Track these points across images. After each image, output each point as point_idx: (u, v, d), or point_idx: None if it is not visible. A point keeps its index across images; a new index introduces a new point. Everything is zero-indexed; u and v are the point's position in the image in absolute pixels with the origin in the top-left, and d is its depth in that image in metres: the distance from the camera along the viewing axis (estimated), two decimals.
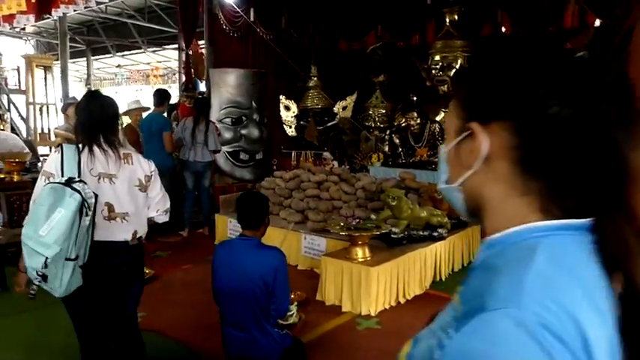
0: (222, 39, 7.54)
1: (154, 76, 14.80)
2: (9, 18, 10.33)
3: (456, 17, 7.65)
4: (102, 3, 10.07)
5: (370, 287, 3.73)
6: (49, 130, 10.52)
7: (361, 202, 5.30)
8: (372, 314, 3.74)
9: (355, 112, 8.63)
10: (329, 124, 8.42)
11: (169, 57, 14.95)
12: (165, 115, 6.33)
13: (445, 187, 0.73)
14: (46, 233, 1.94)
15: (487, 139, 0.62)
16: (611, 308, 0.56)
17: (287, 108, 8.78)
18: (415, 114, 6.96)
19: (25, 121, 10.48)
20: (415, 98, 7.17)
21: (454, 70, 7.43)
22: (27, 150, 6.26)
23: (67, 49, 10.28)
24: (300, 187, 5.91)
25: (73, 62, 15.41)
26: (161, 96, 6.04)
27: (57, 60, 10.85)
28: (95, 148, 2.23)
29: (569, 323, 0.51)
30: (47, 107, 10.59)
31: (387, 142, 7.37)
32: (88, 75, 15.73)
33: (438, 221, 4.38)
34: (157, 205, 2.49)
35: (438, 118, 7.36)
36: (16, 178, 5.38)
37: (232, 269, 2.59)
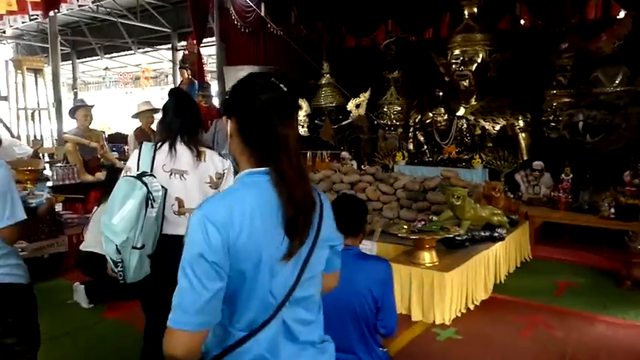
0: (234, 35, 7.18)
1: (145, 78, 14.25)
2: None
3: (475, 10, 7.43)
4: (96, 1, 9.58)
5: (444, 294, 3.45)
6: (41, 137, 9.95)
7: (404, 203, 5.03)
8: (447, 323, 3.46)
9: (369, 109, 8.35)
10: (344, 122, 8.12)
11: (161, 58, 14.43)
12: None
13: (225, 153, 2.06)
14: (117, 222, 2.05)
15: (229, 125, 1.16)
16: (278, 212, 1.09)
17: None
18: (442, 110, 6.70)
19: (8, 129, 9.84)
20: (441, 94, 6.92)
21: (475, 65, 7.21)
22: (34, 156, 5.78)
23: (58, 51, 9.71)
24: (332, 188, 5.61)
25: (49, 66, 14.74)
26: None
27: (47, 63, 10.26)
28: (177, 146, 2.26)
29: (225, 214, 1.05)
30: (39, 112, 10.01)
31: (411, 140, 7.10)
32: (74, 79, 15.09)
33: (498, 221, 4.13)
34: None
35: (458, 114, 7.12)
36: (30, 187, 4.92)
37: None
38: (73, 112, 6.11)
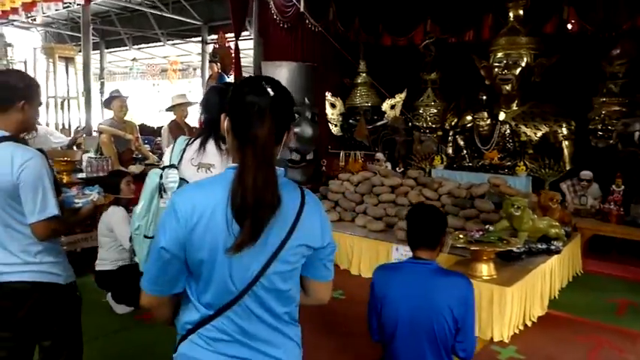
0: (273, 30, 7.04)
1: (173, 70, 14.19)
2: (30, 6, 9.75)
3: (521, 12, 7.18)
4: None
5: (505, 309, 3.26)
6: (69, 126, 9.94)
7: (449, 210, 4.83)
8: (506, 340, 3.27)
9: (404, 111, 8.16)
10: (379, 123, 7.94)
11: (190, 51, 14.37)
12: None
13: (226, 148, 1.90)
14: (138, 211, 2.10)
15: (224, 123, 1.25)
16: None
17: (332, 105, 8.29)
18: (485, 114, 6.48)
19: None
20: (485, 97, 6.69)
21: (519, 69, 6.97)
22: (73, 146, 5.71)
23: (89, 40, 9.69)
24: (373, 191, 5.44)
25: (80, 55, 14.79)
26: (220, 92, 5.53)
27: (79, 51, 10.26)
28: (209, 142, 2.16)
29: (189, 205, 1.17)
30: (68, 101, 9.99)
31: (450, 144, 6.88)
32: (102, 68, 15.12)
33: (555, 233, 3.92)
34: None
35: (500, 118, 6.89)
36: (66, 179, 4.82)
37: (412, 301, 2.10)
38: (108, 103, 6.03)
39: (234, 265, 1.18)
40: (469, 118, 7.53)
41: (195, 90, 12.52)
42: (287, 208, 1.20)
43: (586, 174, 5.64)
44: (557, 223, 3.96)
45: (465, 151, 6.76)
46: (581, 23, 7.13)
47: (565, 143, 6.71)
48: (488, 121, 6.49)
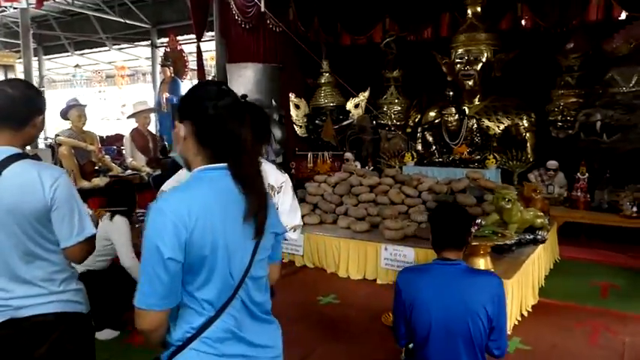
0: (235, 31, 6.85)
1: (121, 76, 13.54)
2: None
3: (479, 9, 7.38)
4: None
5: (506, 302, 3.28)
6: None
7: (431, 206, 4.85)
8: (509, 332, 3.30)
9: (368, 109, 8.18)
10: (345, 122, 7.91)
11: (138, 55, 13.77)
12: None
13: (175, 155, 1.50)
14: None
15: (182, 128, 1.29)
16: (238, 205, 1.25)
17: (296, 106, 8.19)
18: (453, 110, 6.60)
19: None
20: (452, 93, 6.81)
21: (480, 64, 7.15)
22: None
23: (29, 46, 9.07)
24: (351, 192, 5.39)
25: (20, 62, 13.87)
26: None
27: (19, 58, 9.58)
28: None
29: (182, 209, 1.17)
30: None
31: (419, 140, 6.96)
32: (41, 76, 14.21)
33: (541, 223, 4.03)
34: (287, 219, 2.29)
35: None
36: None
37: (445, 303, 2.05)
38: (65, 112, 5.64)
39: (232, 258, 1.23)
40: (433, 114, 7.66)
41: (146, 96, 11.99)
42: None
43: (552, 164, 5.85)
44: (541, 214, 4.07)
45: (434, 147, 6.85)
46: (534, 19, 7.43)
47: (527, 135, 6.95)
48: (456, 117, 6.61)
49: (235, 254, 1.24)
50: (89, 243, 1.70)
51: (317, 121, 7.87)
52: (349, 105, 8.11)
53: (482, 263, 3.44)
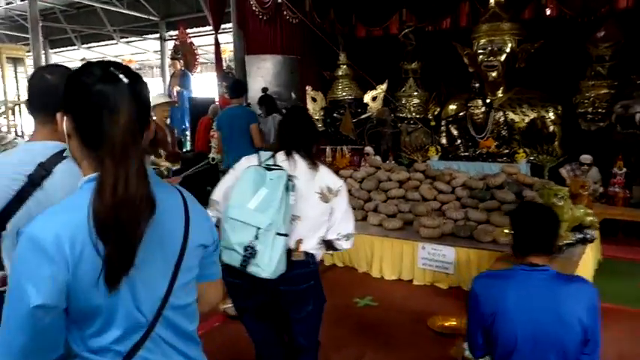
0: (252, 22, 6.62)
1: None
2: None
3: None
4: None
5: None
6: (22, 133, 9.05)
7: (467, 202, 4.65)
8: None
9: (386, 102, 7.97)
10: (363, 116, 7.69)
11: (145, 49, 13.54)
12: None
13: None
14: (255, 206, 1.90)
15: (65, 123, 1.01)
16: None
17: (313, 100, 7.96)
18: (480, 102, 6.37)
19: None
20: (477, 85, 6.58)
21: (505, 55, 6.92)
22: None
23: (39, 38, 8.85)
24: (380, 187, 5.18)
25: (29, 56, 13.64)
26: (239, 87, 5.09)
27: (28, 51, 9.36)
28: (294, 154, 2.13)
29: (59, 236, 0.90)
30: (19, 106, 9.10)
31: (443, 134, 6.74)
32: None
33: (590, 221, 3.81)
34: (338, 227, 2.16)
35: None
36: None
37: (534, 313, 1.85)
38: None
39: (140, 290, 0.98)
40: (453, 107, 7.45)
41: (155, 89, 11.77)
42: (172, 210, 1.05)
43: (586, 158, 5.63)
44: (591, 211, 3.86)
45: (458, 141, 6.63)
46: (559, 8, 7.19)
47: (554, 128, 6.73)
48: (483, 109, 6.38)
49: (144, 283, 0.99)
50: None
51: (335, 115, 7.65)
52: (367, 98, 7.89)
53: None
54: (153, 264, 1.00)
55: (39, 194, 1.39)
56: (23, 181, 1.39)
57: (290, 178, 1.96)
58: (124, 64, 1.06)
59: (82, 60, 14.56)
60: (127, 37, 12.77)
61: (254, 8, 6.58)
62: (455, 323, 3.31)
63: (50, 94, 1.43)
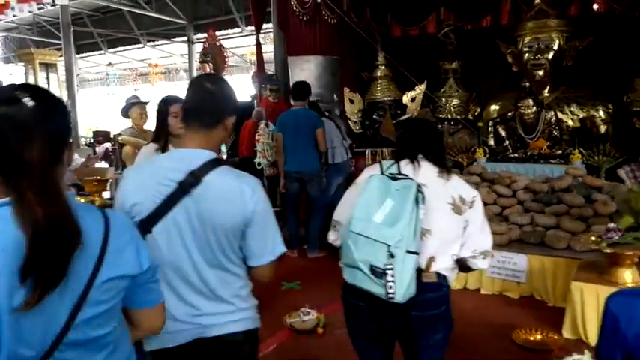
0: (292, 22, 6.49)
1: (154, 73, 13.29)
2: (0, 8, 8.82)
3: None
4: None
5: None
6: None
7: (531, 207, 4.45)
8: None
9: (425, 102, 7.78)
10: (403, 117, 7.51)
11: (171, 52, 13.52)
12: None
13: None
14: (382, 219, 1.72)
15: None
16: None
17: (351, 101, 7.80)
18: (530, 101, 6.15)
19: None
20: (528, 84, 6.36)
21: (552, 53, 6.69)
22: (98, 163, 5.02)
23: (71, 43, 8.87)
24: None
25: (60, 61, 13.70)
26: (303, 89, 4.97)
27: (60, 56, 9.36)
28: (421, 161, 1.97)
29: None
30: None
31: (490, 135, 6.53)
32: (75, 75, 14.03)
33: None
34: (474, 242, 1.95)
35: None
36: (98, 201, 4.14)
37: None
38: (126, 110, 5.34)
39: (29, 322, 0.92)
40: (496, 107, 7.26)
41: (182, 93, 11.74)
42: (88, 238, 0.97)
43: None
44: None
45: (506, 142, 6.42)
46: (607, 3, 6.95)
47: (605, 128, 6.49)
48: (534, 109, 6.16)
49: (35, 316, 0.92)
50: (276, 261, 1.57)
51: (374, 117, 7.47)
52: (405, 99, 7.71)
53: (628, 275, 3.06)
54: (50, 297, 0.92)
55: (187, 202, 1.43)
56: (173, 187, 1.43)
57: (419, 187, 1.78)
58: (37, 86, 1.04)
59: (108, 64, 14.63)
60: (153, 41, 12.75)
61: (294, 8, 6.45)
62: (540, 337, 3.13)
63: (209, 104, 1.50)
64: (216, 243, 1.45)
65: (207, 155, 1.48)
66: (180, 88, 14.08)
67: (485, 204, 4.64)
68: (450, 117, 7.69)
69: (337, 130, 5.22)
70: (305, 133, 4.94)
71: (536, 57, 6.72)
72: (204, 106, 1.51)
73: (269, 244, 1.51)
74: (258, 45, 6.60)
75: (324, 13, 7.04)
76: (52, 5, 9.27)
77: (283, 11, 6.33)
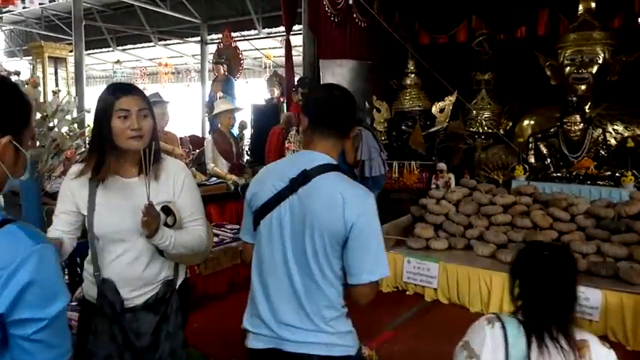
0: (324, 24, 6.09)
1: (165, 73, 12.86)
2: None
3: (593, 5, 6.54)
4: None
5: None
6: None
7: (594, 234, 4.03)
8: None
9: (454, 114, 7.40)
10: (434, 128, 7.11)
11: (182, 52, 13.11)
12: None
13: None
14: None
15: None
16: None
17: (377, 110, 7.40)
18: (578, 118, 5.75)
19: None
20: (575, 99, 5.97)
21: (597, 67, 6.31)
22: None
23: (82, 37, 8.45)
24: (481, 211, 4.58)
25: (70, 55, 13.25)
26: None
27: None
28: (548, 342, 1.44)
29: None
30: None
31: (531, 152, 6.12)
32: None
33: None
34: None
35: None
36: None
37: None
38: None
39: None
40: (529, 122, 6.89)
41: (194, 94, 11.32)
42: None
43: None
44: None
45: (549, 160, 6.00)
46: None
47: None
48: (581, 126, 5.76)
49: None
50: (377, 284, 1.54)
51: (403, 127, 7.08)
52: (434, 109, 7.33)
53: None
54: None
55: (293, 198, 1.48)
56: (286, 183, 1.50)
57: None
58: None
59: (116, 62, 14.21)
60: (165, 40, 12.34)
61: (327, 9, 6.05)
62: None
63: (339, 112, 1.54)
64: (311, 249, 1.45)
65: (326, 159, 1.52)
66: (192, 90, 13.68)
67: (540, 228, 4.25)
68: (481, 130, 7.29)
69: (375, 141, 4.80)
70: None
71: (580, 70, 6.34)
72: (335, 115, 1.54)
73: (369, 263, 1.44)
74: (289, 46, 6.19)
75: (354, 15, 6.66)
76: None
77: (315, 12, 5.92)
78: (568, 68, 6.46)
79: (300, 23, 6.25)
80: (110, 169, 1.67)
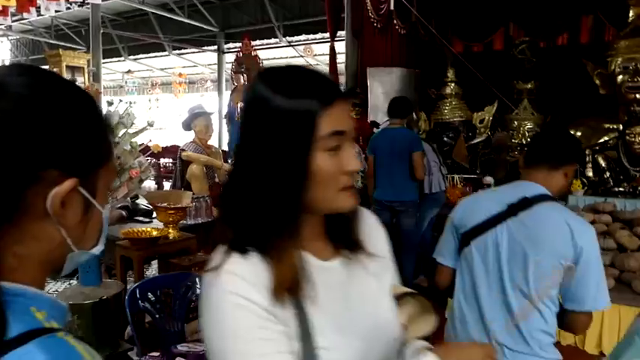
0: (367, 30, 5.77)
1: (179, 83, 12.49)
2: (25, 5, 8.05)
3: None
4: None
5: None
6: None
7: None
8: None
9: (494, 125, 7.10)
10: (477, 140, 6.78)
11: (196, 62, 12.77)
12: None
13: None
14: None
15: None
16: None
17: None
18: None
19: None
20: (639, 109, 5.66)
21: None
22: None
23: (99, 46, 8.09)
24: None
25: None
26: (404, 105, 4.17)
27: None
28: None
29: None
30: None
31: (589, 165, 5.79)
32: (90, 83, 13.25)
33: None
34: None
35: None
36: (173, 234, 3.28)
37: None
38: (189, 123, 4.55)
39: None
40: (573, 133, 6.56)
41: (211, 105, 10.97)
42: None
43: None
44: None
45: (608, 173, 5.67)
46: None
47: None
48: None
49: None
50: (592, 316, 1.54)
51: (444, 139, 6.74)
52: (475, 120, 7.02)
53: None
54: None
55: (511, 222, 1.54)
56: (503, 207, 1.58)
57: None
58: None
59: (127, 72, 13.86)
60: (179, 49, 12.01)
61: (370, 14, 5.73)
62: None
63: (554, 142, 1.66)
64: (531, 269, 1.47)
65: (542, 190, 1.58)
66: (207, 100, 13.33)
67: (625, 249, 3.89)
68: (524, 142, 6.96)
69: (434, 154, 4.45)
70: (400, 155, 4.16)
71: (635, 79, 6.03)
72: (550, 147, 1.63)
73: (591, 292, 1.45)
74: (332, 52, 5.85)
75: (395, 22, 6.34)
76: (81, 5, 8.50)
77: (359, 18, 5.60)
78: (621, 77, 6.14)
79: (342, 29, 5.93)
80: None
